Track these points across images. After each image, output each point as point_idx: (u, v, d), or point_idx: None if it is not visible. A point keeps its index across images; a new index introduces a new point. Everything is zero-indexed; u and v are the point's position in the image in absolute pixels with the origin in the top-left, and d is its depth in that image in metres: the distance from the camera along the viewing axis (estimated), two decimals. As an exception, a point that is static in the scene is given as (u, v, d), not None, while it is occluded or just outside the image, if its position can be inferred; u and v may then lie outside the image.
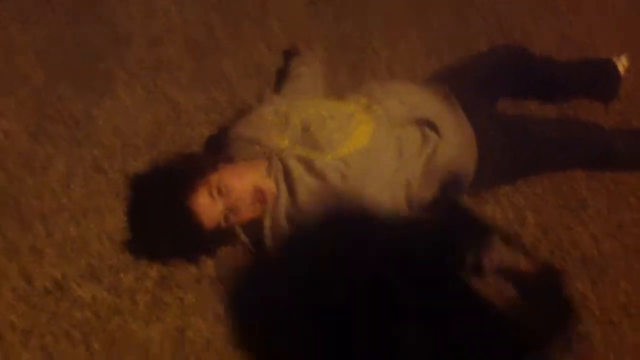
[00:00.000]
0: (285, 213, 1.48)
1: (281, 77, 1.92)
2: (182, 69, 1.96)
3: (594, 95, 1.92)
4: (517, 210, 1.77)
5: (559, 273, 1.63)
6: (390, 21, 2.11)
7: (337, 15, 2.11)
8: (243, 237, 1.57)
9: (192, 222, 1.44)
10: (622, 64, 1.91)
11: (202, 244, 1.56)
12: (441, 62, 2.02)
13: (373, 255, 1.46)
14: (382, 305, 1.54)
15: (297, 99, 1.69)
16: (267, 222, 1.50)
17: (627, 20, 2.16)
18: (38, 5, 2.01)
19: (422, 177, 1.52)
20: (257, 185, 1.47)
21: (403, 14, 2.13)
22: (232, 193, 1.45)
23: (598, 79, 1.91)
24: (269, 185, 1.49)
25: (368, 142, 1.50)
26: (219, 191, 1.44)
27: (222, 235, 1.53)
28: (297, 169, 1.47)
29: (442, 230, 1.49)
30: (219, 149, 1.66)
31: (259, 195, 1.47)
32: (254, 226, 1.54)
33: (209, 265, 1.64)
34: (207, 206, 1.44)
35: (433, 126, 1.54)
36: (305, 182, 1.46)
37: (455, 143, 1.55)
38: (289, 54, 1.96)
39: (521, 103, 1.91)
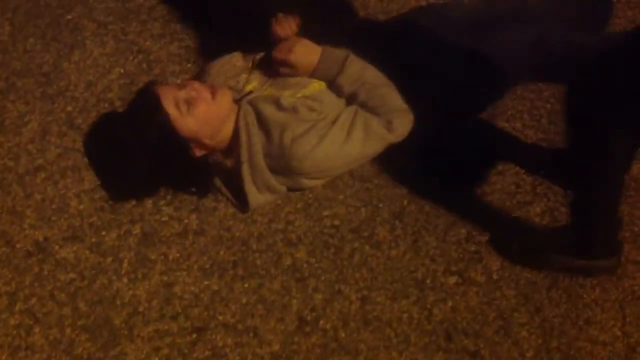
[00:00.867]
0: (264, 154, 1.47)
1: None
2: (153, 18, 1.88)
3: None
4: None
5: None
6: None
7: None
8: (224, 190, 1.56)
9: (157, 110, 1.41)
10: None
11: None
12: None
13: None
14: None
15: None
16: (245, 171, 1.47)
17: None
18: (-2, -46, 1.91)
19: None
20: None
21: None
22: (193, 91, 1.43)
23: None
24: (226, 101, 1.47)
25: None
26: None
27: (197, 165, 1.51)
28: (268, 109, 1.46)
29: None
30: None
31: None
32: (234, 179, 1.51)
33: (192, 220, 1.61)
34: (170, 91, 1.43)
35: None
36: (277, 120, 1.45)
37: None
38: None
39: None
